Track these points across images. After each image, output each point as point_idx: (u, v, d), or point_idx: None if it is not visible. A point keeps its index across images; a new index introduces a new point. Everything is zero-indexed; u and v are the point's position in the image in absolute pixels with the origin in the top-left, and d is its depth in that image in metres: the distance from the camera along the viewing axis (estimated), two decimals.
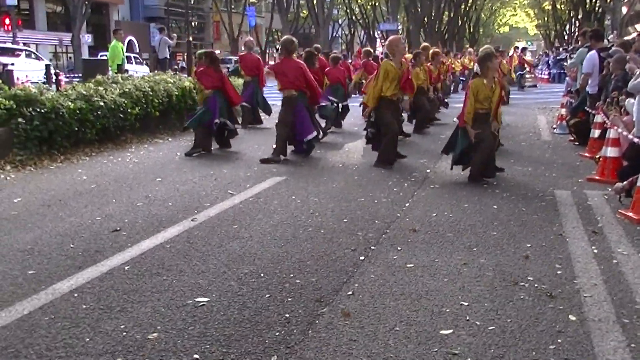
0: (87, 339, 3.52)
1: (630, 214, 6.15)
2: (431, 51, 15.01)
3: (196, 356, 3.34)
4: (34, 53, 28.14)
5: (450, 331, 3.66)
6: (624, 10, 40.45)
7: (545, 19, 68.32)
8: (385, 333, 3.63)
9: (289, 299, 4.11)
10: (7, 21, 32.63)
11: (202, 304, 4.03)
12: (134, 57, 33.97)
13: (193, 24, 60.80)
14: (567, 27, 59.19)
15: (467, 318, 3.83)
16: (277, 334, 3.61)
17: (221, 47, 65.31)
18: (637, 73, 7.38)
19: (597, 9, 45.91)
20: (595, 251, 5.16)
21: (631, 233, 5.69)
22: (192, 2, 60.06)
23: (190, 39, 23.40)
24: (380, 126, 9.06)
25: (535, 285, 4.40)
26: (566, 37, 57.11)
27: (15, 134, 8.76)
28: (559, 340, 3.55)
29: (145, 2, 58.62)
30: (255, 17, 54.42)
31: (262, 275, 4.57)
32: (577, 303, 4.08)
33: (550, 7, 60.38)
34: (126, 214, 6.28)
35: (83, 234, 5.55)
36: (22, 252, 5.04)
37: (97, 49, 45.93)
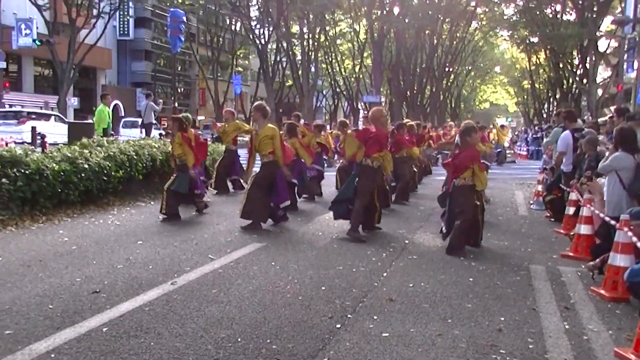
0: None
1: (602, 292, 6.30)
2: (409, 124, 15.30)
3: None
4: (61, 117, 29.20)
5: None
6: (600, 92, 41.75)
7: (525, 97, 70.20)
8: None
9: None
10: None
11: None
12: (132, 121, 34.71)
13: (179, 90, 61.73)
14: (546, 105, 60.81)
15: None
16: None
17: (206, 114, 66.16)
18: (606, 155, 7.67)
19: (573, 90, 47.26)
20: (567, 327, 5.28)
21: (602, 310, 5.82)
22: (179, 69, 61.10)
23: (176, 104, 23.78)
24: (358, 192, 9.13)
25: (507, 358, 4.49)
26: (545, 115, 58.59)
27: None
28: None
29: (132, 68, 59.62)
30: (241, 85, 55.31)
31: (239, 339, 4.63)
32: None
33: (529, 86, 62.12)
34: (106, 275, 6.33)
35: (62, 295, 5.59)
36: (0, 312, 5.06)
37: (83, 112, 46.40)
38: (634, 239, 5.82)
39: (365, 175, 9.15)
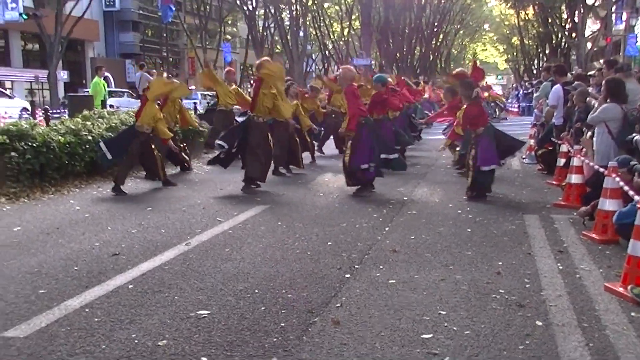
0: (103, 346, 3.89)
1: (593, 235, 6.66)
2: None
3: (204, 359, 3.72)
4: (131, 93, 30.95)
5: (431, 335, 4.08)
6: (589, 45, 41.91)
7: (514, 54, 70.18)
8: (372, 337, 4.04)
9: (283, 311, 4.51)
10: None
11: (204, 315, 4.41)
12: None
13: (169, 59, 61.46)
14: (535, 61, 60.94)
15: (445, 324, 4.26)
16: (274, 339, 4.01)
17: (197, 83, 65.92)
18: (595, 107, 7.97)
19: (563, 44, 47.37)
20: (561, 267, 5.63)
21: (593, 252, 6.18)
22: (167, 39, 60.75)
23: (168, 75, 23.81)
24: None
25: (506, 296, 4.84)
26: (535, 71, 58.70)
27: (8, 167, 9.10)
28: (527, 342, 3.99)
29: (120, 39, 59.19)
30: (231, 52, 55.14)
31: (256, 291, 4.97)
32: (543, 311, 4.53)
33: (518, 43, 62.11)
34: (123, 239, 6.65)
35: (85, 258, 5.91)
36: (30, 274, 5.39)
37: (73, 85, 46.30)
38: (621, 184, 6.16)
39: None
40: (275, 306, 4.62)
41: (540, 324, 4.28)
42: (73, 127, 10.58)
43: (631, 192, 5.69)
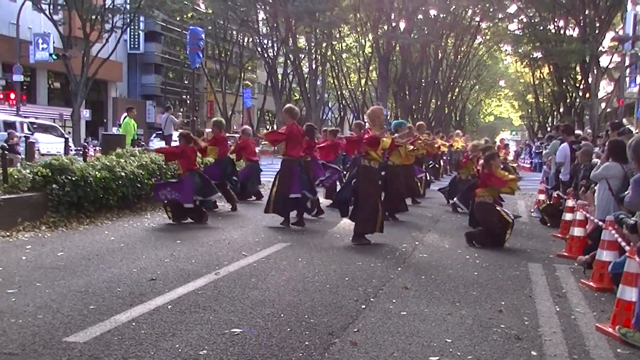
0: (152, 353, 4.48)
1: (590, 283, 7.20)
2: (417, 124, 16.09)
3: None
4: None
5: (437, 358, 4.63)
6: (602, 106, 42.62)
7: (529, 110, 70.96)
8: (385, 357, 4.61)
9: (307, 332, 5.09)
10: (12, 96, 34.27)
11: (237, 333, 5.00)
12: None
13: (187, 102, 62.83)
14: (550, 119, 61.58)
15: (451, 350, 4.82)
16: (300, 354, 4.58)
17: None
18: (597, 165, 8.58)
19: (577, 104, 48.06)
20: (558, 309, 6.18)
21: (589, 297, 6.72)
22: (186, 82, 62.22)
23: (194, 117, 24.70)
24: (359, 197, 9.51)
25: (506, 331, 5.39)
26: (549, 129, 59.32)
27: (49, 198, 9.85)
28: None
29: (142, 81, 60.76)
30: (250, 98, 56.41)
31: (282, 315, 5.55)
32: (538, 344, 5.08)
33: (533, 100, 62.95)
34: (157, 267, 7.27)
35: (125, 282, 6.53)
36: (79, 293, 6.01)
37: (94, 123, 47.62)
38: (617, 236, 6.72)
39: (365, 177, 9.58)
40: (299, 328, 5.20)
41: (535, 354, 4.82)
42: (108, 163, 11.32)
43: (623, 244, 6.26)
